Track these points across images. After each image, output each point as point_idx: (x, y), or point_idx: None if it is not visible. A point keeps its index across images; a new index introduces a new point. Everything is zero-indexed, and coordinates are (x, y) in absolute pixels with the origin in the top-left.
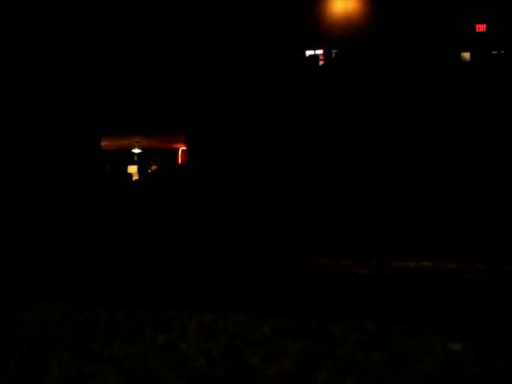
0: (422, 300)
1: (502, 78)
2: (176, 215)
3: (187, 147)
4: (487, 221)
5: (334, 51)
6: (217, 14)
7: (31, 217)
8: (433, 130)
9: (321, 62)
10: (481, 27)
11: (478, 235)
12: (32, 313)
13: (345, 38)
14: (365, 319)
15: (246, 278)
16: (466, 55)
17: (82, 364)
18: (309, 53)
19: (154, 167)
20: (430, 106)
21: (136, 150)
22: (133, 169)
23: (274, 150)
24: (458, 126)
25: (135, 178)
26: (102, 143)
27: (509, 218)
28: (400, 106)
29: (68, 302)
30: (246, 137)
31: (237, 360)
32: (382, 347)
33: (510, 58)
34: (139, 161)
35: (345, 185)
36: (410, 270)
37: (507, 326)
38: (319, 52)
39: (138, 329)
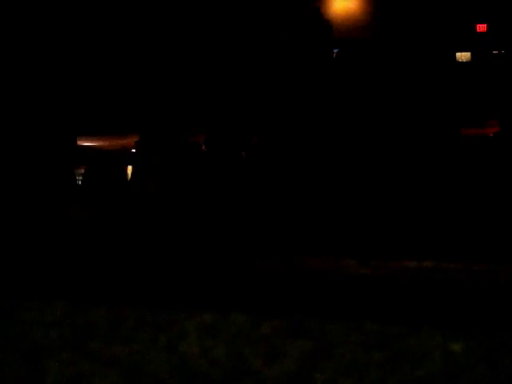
0: (423, 300)
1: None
2: (178, 216)
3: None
4: (487, 221)
5: (334, 50)
6: (216, 16)
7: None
8: (433, 129)
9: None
10: (481, 27)
11: (478, 235)
12: (32, 313)
13: (346, 38)
14: (365, 319)
15: (247, 278)
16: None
17: (82, 364)
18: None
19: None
20: (432, 105)
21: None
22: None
23: (275, 149)
24: (458, 126)
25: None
26: (101, 143)
27: (509, 218)
28: (402, 105)
29: (68, 302)
30: (247, 135)
31: (237, 360)
32: (382, 347)
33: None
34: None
35: (345, 184)
36: (410, 269)
37: (507, 326)
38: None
39: (138, 329)
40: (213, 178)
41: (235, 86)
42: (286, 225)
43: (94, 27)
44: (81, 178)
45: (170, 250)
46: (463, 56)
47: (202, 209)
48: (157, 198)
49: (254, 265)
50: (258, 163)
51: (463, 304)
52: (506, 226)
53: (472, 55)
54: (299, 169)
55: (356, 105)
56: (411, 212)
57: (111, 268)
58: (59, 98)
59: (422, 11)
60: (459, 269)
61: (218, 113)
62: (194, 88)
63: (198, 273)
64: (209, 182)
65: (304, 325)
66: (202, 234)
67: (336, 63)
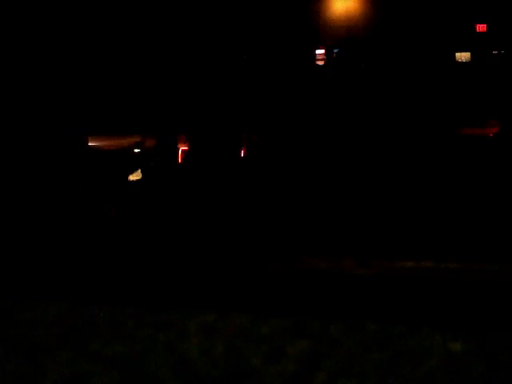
0: (422, 300)
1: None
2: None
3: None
4: (487, 221)
5: (335, 51)
6: (217, 15)
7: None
8: (432, 129)
9: (321, 62)
10: (481, 27)
11: (478, 235)
12: (32, 313)
13: (346, 38)
14: (365, 319)
15: (247, 278)
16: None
17: (82, 364)
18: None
19: None
20: (431, 105)
21: (136, 150)
22: None
23: (274, 149)
24: (458, 125)
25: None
26: (101, 143)
27: (509, 218)
28: (402, 105)
29: (68, 303)
30: (249, 136)
31: (237, 360)
32: (382, 347)
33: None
34: None
35: (344, 184)
36: (410, 270)
37: (507, 326)
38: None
39: (138, 329)
40: (213, 178)
41: (235, 86)
42: (286, 225)
43: (105, 26)
44: None
45: (172, 251)
46: (463, 56)
47: (202, 209)
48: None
49: (254, 265)
50: (257, 163)
51: (463, 304)
52: (505, 226)
53: (472, 55)
54: (299, 169)
55: (357, 104)
56: (411, 212)
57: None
58: (66, 97)
59: (423, 11)
60: (459, 269)
61: (218, 113)
62: (197, 89)
63: (198, 273)
64: (210, 182)
65: (304, 325)
66: (203, 233)
67: (336, 63)
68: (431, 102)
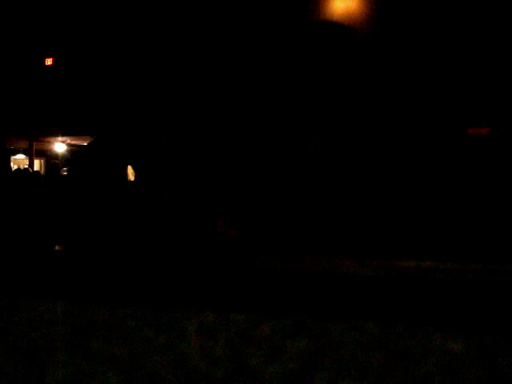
0: (422, 300)
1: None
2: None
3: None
4: (487, 221)
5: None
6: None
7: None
8: (433, 131)
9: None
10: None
11: (478, 236)
12: (32, 313)
13: (346, 37)
14: (365, 319)
15: (247, 278)
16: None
17: (82, 364)
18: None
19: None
20: (433, 107)
21: None
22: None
23: (272, 152)
24: (459, 128)
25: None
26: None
27: (508, 218)
28: (403, 107)
29: (68, 302)
30: (245, 140)
31: (237, 360)
32: (382, 347)
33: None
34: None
35: (344, 186)
36: (409, 270)
37: (507, 326)
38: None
39: (138, 329)
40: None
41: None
42: (286, 225)
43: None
44: None
45: (173, 251)
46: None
47: (203, 208)
48: None
49: (254, 265)
50: (259, 164)
51: (463, 304)
52: (505, 227)
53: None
54: (300, 170)
55: (356, 106)
56: (411, 213)
57: None
58: None
59: (421, 10)
60: (459, 269)
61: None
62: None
63: (198, 272)
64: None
65: (304, 325)
66: (202, 233)
67: (336, 63)
68: (431, 103)
